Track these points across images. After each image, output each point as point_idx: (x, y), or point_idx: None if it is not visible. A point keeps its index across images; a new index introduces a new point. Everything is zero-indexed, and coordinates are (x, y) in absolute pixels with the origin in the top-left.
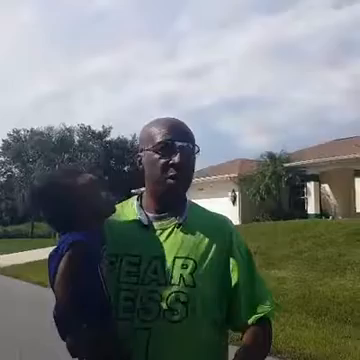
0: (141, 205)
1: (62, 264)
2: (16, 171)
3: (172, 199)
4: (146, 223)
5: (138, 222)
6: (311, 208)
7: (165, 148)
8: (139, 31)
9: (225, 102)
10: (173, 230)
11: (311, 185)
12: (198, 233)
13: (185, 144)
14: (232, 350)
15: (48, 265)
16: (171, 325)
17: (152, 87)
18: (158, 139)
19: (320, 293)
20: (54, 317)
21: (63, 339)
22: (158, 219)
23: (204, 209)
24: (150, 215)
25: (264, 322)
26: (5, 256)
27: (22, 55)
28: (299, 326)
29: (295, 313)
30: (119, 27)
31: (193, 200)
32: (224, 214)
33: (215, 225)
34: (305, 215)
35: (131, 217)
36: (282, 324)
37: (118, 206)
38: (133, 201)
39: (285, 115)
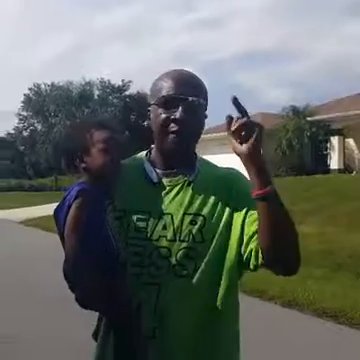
0: (150, 161)
1: (72, 211)
2: (38, 126)
3: (177, 155)
4: (155, 180)
5: (147, 178)
6: (334, 163)
7: (168, 102)
8: None
9: (243, 54)
10: (182, 187)
11: (335, 139)
12: (208, 190)
13: (190, 98)
14: (245, 302)
15: (55, 220)
16: (180, 280)
17: (169, 40)
18: (162, 93)
19: (340, 248)
20: (63, 271)
21: (72, 291)
22: (167, 175)
23: (215, 165)
24: (159, 171)
25: None
26: (32, 208)
27: (39, 10)
28: (318, 280)
29: (315, 267)
30: None
31: (216, 155)
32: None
33: (225, 181)
34: (328, 170)
35: (140, 173)
36: (301, 277)
37: (127, 161)
38: (142, 156)
39: (306, 68)
